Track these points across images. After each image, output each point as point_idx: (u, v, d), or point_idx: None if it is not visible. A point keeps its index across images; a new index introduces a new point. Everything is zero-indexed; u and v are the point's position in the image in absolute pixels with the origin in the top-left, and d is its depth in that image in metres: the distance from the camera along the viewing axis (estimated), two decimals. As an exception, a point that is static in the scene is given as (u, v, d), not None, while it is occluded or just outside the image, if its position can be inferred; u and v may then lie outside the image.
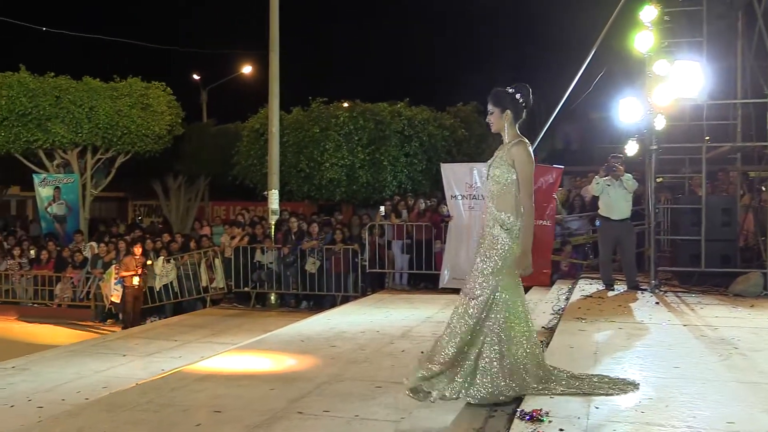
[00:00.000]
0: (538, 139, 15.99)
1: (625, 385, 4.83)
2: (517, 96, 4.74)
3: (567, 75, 14.11)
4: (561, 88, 14.65)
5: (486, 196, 4.90)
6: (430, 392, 4.70)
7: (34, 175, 17.43)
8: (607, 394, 4.64)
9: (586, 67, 12.98)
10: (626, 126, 12.48)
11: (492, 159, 4.89)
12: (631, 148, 12.69)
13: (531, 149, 4.71)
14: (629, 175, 10.28)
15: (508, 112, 4.76)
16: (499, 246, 4.72)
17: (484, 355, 4.68)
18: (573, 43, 15.17)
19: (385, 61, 32.60)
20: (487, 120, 4.94)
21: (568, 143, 26.12)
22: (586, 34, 13.63)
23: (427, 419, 4.84)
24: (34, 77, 16.62)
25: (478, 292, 4.76)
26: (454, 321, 4.87)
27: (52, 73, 16.83)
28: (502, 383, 4.63)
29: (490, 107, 4.84)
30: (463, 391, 4.65)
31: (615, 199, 10.19)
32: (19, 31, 18.80)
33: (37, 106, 16.21)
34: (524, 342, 4.75)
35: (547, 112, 15.36)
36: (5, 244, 16.73)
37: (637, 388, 4.80)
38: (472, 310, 4.77)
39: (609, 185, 10.20)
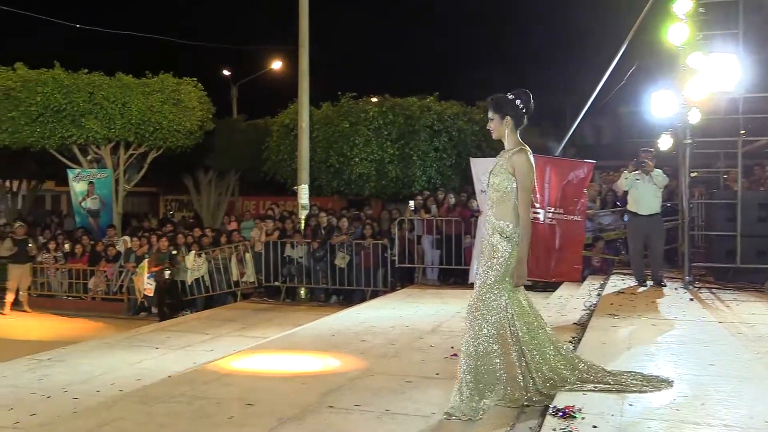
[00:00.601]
0: (568, 134, 15.90)
1: (659, 383, 4.78)
2: (518, 102, 4.67)
3: (598, 69, 13.98)
4: (592, 82, 14.52)
5: (486, 204, 4.82)
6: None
7: (68, 171, 17.67)
8: (640, 391, 4.60)
9: (618, 60, 12.83)
10: (659, 120, 12.32)
11: (493, 166, 4.82)
12: (665, 143, 12.53)
13: (532, 157, 4.64)
14: (659, 170, 10.15)
15: (509, 118, 4.69)
16: (499, 254, 4.69)
17: (515, 365, 4.63)
18: (605, 36, 15.00)
19: (414, 56, 32.55)
20: (487, 127, 4.88)
21: (600, 138, 25.88)
22: (618, 27, 13.47)
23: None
24: (69, 74, 16.82)
25: (490, 305, 4.73)
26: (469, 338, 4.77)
27: (86, 70, 17.03)
28: (533, 386, 4.62)
29: (490, 114, 4.79)
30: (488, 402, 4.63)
31: (644, 194, 10.06)
32: (54, 28, 19.05)
33: (71, 102, 16.41)
34: (548, 344, 4.74)
35: (578, 107, 15.24)
36: (41, 238, 17.00)
37: (671, 386, 4.74)
38: (485, 326, 4.71)
39: (638, 180, 10.07)
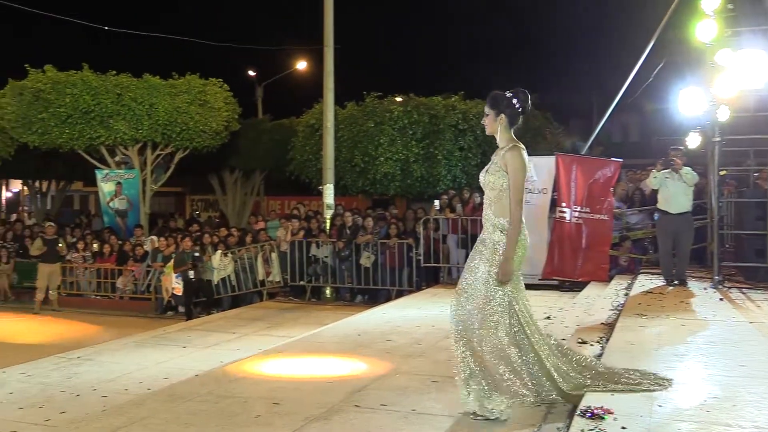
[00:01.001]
0: (595, 132, 15.76)
1: (658, 380, 4.74)
2: (514, 101, 4.63)
3: (626, 66, 13.84)
4: (619, 80, 14.38)
5: (485, 202, 4.78)
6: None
7: (96, 171, 17.87)
8: (648, 390, 4.55)
9: (646, 57, 12.69)
10: (687, 118, 12.17)
11: (488, 165, 4.78)
12: (693, 141, 12.38)
13: (526, 154, 4.56)
14: (688, 168, 10.02)
15: (503, 115, 4.66)
16: (501, 251, 4.60)
17: (514, 363, 4.53)
18: (632, 32, 14.84)
19: (439, 55, 32.49)
20: (482, 122, 4.83)
21: (627, 136, 25.65)
22: (645, 23, 13.33)
23: (485, 414, 4.79)
24: (97, 76, 17.00)
25: (497, 302, 4.61)
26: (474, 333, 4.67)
27: (114, 72, 17.21)
28: (536, 386, 4.53)
29: (486, 109, 4.76)
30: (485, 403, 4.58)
31: (674, 193, 9.94)
32: (83, 30, 19.28)
33: (99, 103, 16.59)
34: (543, 344, 4.65)
35: (605, 105, 15.10)
36: (70, 237, 17.22)
37: (671, 384, 4.68)
38: (489, 319, 4.61)
39: (668, 178, 9.96)
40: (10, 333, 12.39)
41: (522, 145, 4.60)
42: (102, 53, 22.03)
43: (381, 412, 5.31)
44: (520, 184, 4.52)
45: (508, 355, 4.48)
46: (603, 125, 14.46)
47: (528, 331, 4.60)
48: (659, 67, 13.43)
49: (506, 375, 4.43)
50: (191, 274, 13.64)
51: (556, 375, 4.58)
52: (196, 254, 14.06)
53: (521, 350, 4.55)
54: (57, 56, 17.84)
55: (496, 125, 4.67)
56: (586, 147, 16.19)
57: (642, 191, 13.66)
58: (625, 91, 14.03)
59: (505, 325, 4.54)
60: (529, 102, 4.68)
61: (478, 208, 13.95)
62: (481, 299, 4.62)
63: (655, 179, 10.13)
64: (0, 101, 17.90)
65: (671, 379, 4.80)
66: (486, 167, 4.77)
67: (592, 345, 6.43)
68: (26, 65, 17.12)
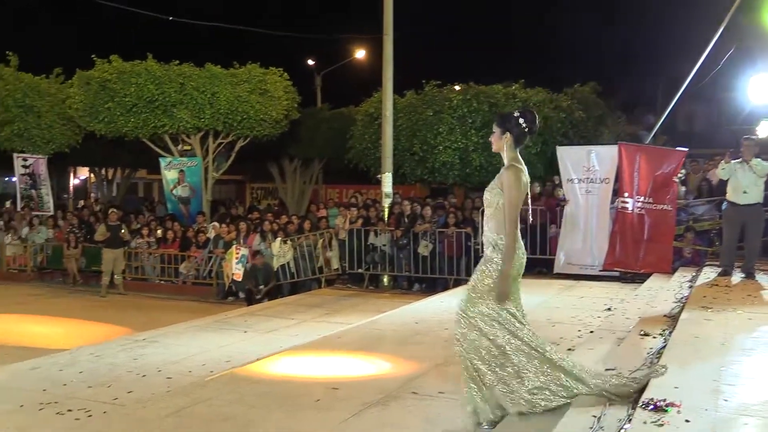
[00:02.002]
0: (660, 121, 15.41)
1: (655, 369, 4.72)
2: (521, 120, 4.59)
3: (693, 52, 13.48)
4: (685, 66, 14.03)
5: (484, 219, 4.79)
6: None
7: (160, 159, 18.25)
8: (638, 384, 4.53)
9: (716, 43, 12.33)
10: (758, 105, 11.80)
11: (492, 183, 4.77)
12: (764, 129, 12.00)
13: (524, 175, 4.55)
14: (758, 158, 9.71)
15: (508, 134, 4.62)
16: (493, 267, 4.62)
17: (497, 373, 4.58)
18: (701, 17, 14.43)
19: (500, 43, 32.14)
20: (489, 139, 4.81)
21: (692, 125, 24.98)
22: (716, 7, 12.94)
23: (545, 404, 4.76)
24: (161, 65, 17.30)
25: (485, 314, 4.66)
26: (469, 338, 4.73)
27: (177, 61, 17.49)
28: (519, 397, 4.52)
29: (494, 127, 4.74)
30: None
31: (744, 183, 9.64)
32: (147, 20, 19.65)
33: (163, 93, 16.90)
34: (535, 354, 4.62)
35: (670, 92, 14.76)
36: (135, 224, 17.66)
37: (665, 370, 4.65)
38: (481, 326, 4.67)
39: (738, 168, 9.67)
40: (78, 314, 12.80)
41: (522, 166, 4.59)
42: (166, 43, 22.47)
43: (438, 400, 5.34)
44: (515, 202, 4.52)
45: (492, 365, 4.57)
46: (668, 114, 14.11)
47: (526, 338, 4.63)
48: (730, 53, 13.02)
49: (496, 384, 4.52)
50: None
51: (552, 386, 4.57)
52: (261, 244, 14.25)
53: (509, 361, 4.57)
54: (122, 46, 18.27)
55: (501, 143, 4.65)
56: (651, 136, 15.87)
57: (709, 181, 13.31)
58: (692, 79, 13.69)
59: (491, 335, 4.60)
60: (537, 123, 4.67)
61: (538, 198, 13.82)
62: (476, 312, 4.69)
63: (723, 170, 9.85)
64: (68, 91, 18.44)
65: (665, 366, 4.74)
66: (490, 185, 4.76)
67: (654, 338, 6.31)
68: (93, 56, 17.56)
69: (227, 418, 4.93)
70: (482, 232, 4.89)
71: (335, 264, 14.68)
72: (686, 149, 12.41)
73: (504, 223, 4.57)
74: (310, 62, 28.98)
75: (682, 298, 8.50)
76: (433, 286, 13.75)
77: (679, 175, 12.23)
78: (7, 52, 19.33)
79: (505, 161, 4.68)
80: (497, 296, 4.60)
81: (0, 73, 19.01)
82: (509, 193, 4.54)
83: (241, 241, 14.76)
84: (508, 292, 4.58)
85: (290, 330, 9.71)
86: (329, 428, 4.73)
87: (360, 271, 14.42)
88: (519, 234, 4.64)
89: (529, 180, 4.66)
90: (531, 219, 11.99)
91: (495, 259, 4.63)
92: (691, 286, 9.33)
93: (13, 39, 23.70)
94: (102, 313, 13.04)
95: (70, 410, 5.81)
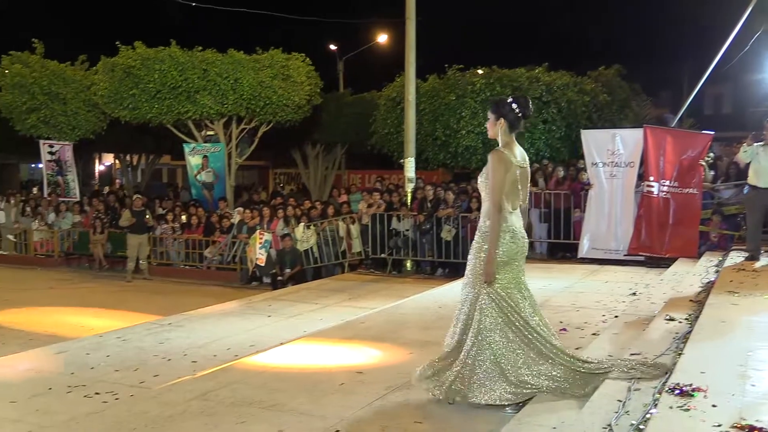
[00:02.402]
0: (686, 104, 15.22)
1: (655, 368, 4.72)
2: (514, 106, 4.72)
3: (720, 33, 13.27)
4: (712, 49, 13.83)
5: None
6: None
7: (184, 145, 18.34)
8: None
9: (743, 24, 12.12)
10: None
11: None
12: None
13: (508, 156, 4.64)
14: None
15: (503, 120, 4.74)
16: (482, 251, 4.75)
17: (479, 358, 4.67)
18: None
19: (521, 26, 31.84)
20: (486, 125, 4.95)
21: (719, 107, 24.64)
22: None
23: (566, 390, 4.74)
24: (184, 51, 17.31)
25: (466, 291, 4.84)
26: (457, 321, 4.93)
27: (200, 48, 17.51)
28: (499, 387, 4.62)
29: (488, 114, 4.87)
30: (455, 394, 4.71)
31: (765, 167, 9.48)
32: (170, 6, 19.72)
33: (186, 79, 16.94)
34: (522, 343, 4.71)
35: (697, 75, 14.56)
36: (159, 209, 17.80)
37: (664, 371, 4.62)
38: (464, 309, 4.82)
39: (760, 152, 9.51)
40: (104, 299, 12.96)
41: (512, 150, 4.70)
42: (189, 29, 22.56)
43: (463, 384, 5.32)
44: (497, 185, 4.60)
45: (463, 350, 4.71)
46: (694, 96, 13.92)
47: (523, 321, 4.74)
48: (757, 35, 12.80)
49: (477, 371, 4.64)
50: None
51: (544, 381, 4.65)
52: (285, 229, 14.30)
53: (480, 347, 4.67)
54: (146, 33, 18.34)
55: (496, 129, 4.77)
56: (676, 119, 15.68)
57: (737, 165, 13.12)
58: (718, 61, 13.48)
59: (491, 316, 4.71)
60: (530, 108, 4.78)
61: (562, 182, 13.73)
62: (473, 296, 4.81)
63: (745, 153, 9.69)
64: (93, 78, 18.57)
65: (665, 366, 4.72)
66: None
67: (680, 322, 6.26)
68: (117, 42, 17.67)
69: (252, 402, 4.97)
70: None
71: (357, 248, 14.71)
72: (713, 132, 12.24)
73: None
74: (333, 47, 28.93)
75: (708, 282, 8.42)
76: (456, 271, 13.71)
77: (707, 158, 12.07)
78: (32, 40, 19.50)
79: (499, 146, 4.78)
80: (484, 278, 4.69)
81: (26, 61, 19.19)
82: (492, 175, 4.66)
83: (265, 226, 14.83)
84: (493, 274, 4.66)
85: (314, 314, 9.75)
86: (353, 412, 4.76)
87: (383, 256, 14.43)
88: (510, 218, 4.71)
89: (522, 163, 4.73)
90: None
91: (480, 244, 4.74)
92: (717, 271, 9.23)
93: (38, 26, 23.93)
94: (127, 298, 13.20)
95: (97, 393, 5.89)
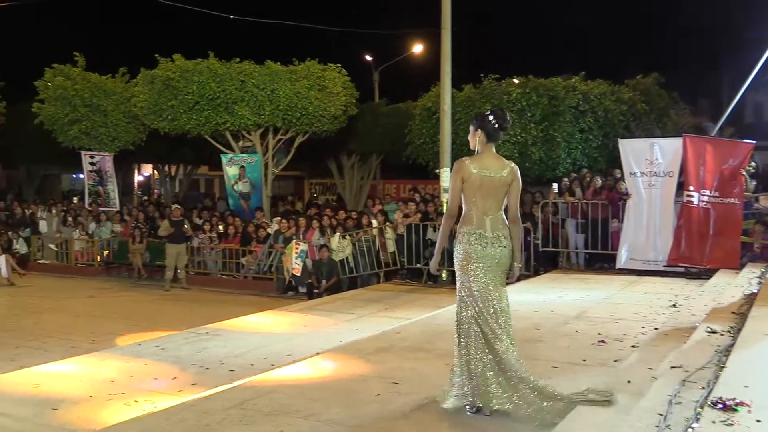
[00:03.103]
0: (726, 112, 14.99)
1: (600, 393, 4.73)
2: (491, 118, 4.96)
3: (760, 40, 13.05)
4: (753, 56, 13.61)
5: None
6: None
7: (222, 156, 18.54)
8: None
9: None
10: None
11: None
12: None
13: (467, 166, 4.90)
14: None
15: (480, 131, 5.00)
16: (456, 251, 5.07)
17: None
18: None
19: (559, 35, 31.66)
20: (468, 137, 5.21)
21: (761, 115, 24.20)
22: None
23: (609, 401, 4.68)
24: (222, 63, 17.54)
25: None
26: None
27: (238, 59, 17.73)
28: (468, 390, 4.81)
29: (471, 127, 5.12)
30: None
31: None
32: (209, 19, 19.98)
33: (224, 90, 17.13)
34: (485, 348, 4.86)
35: (737, 82, 14.34)
36: (197, 219, 18.00)
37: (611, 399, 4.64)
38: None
39: None
40: (143, 308, 13.13)
41: (467, 160, 4.96)
42: (227, 41, 22.83)
43: (500, 396, 5.28)
44: (452, 192, 5.00)
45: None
46: (735, 104, 13.71)
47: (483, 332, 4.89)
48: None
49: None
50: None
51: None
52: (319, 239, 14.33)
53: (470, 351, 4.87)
54: (185, 45, 18.61)
55: (475, 140, 5.05)
56: (717, 128, 15.44)
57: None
58: (759, 69, 13.26)
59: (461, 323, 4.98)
60: (507, 120, 5.03)
61: (599, 192, 13.59)
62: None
63: None
64: (133, 90, 18.89)
65: (612, 393, 4.73)
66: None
67: (722, 335, 6.13)
68: (156, 55, 17.96)
69: (289, 411, 4.99)
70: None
71: (391, 247, 14.65)
72: (754, 141, 12.03)
73: (467, 213, 4.97)
74: (368, 58, 29.04)
75: (750, 294, 8.25)
76: (491, 282, 13.63)
77: (748, 167, 11.86)
78: (74, 53, 19.92)
79: None
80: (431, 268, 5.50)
81: (68, 74, 19.59)
82: (450, 185, 5.07)
83: (301, 236, 14.91)
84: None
85: (349, 324, 9.77)
86: (390, 422, 4.75)
87: (418, 266, 14.40)
88: (478, 221, 4.91)
89: (488, 173, 4.90)
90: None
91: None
92: (760, 282, 9.04)
93: (80, 40, 24.43)
94: (165, 307, 13.37)
95: (136, 401, 5.98)
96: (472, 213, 4.92)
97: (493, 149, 5.03)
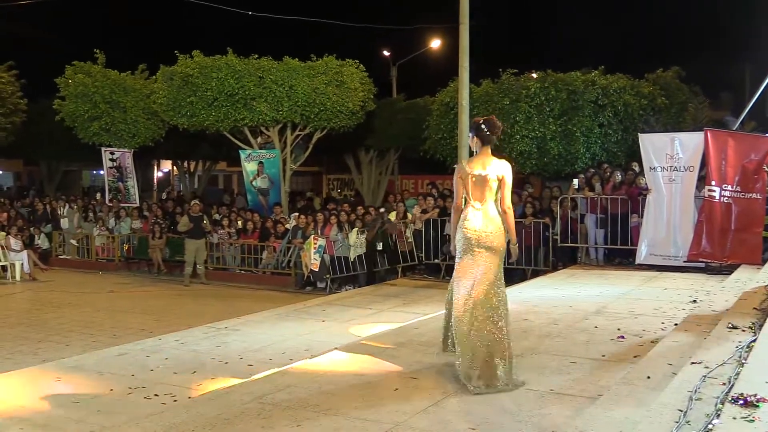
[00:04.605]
0: (749, 106, 14.81)
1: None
2: (483, 127, 5.73)
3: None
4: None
5: None
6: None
7: (240, 151, 18.61)
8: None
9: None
10: None
11: None
12: None
13: (463, 167, 5.79)
14: None
15: (476, 137, 5.78)
16: None
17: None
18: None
19: (578, 29, 31.43)
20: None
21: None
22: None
23: (628, 396, 4.67)
24: (240, 59, 17.59)
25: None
26: None
27: (256, 55, 17.76)
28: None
29: (469, 133, 5.99)
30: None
31: None
32: (227, 16, 20.00)
33: (243, 86, 17.19)
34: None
35: (760, 75, 14.18)
36: (216, 215, 18.08)
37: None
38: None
39: None
40: (163, 303, 13.22)
41: (464, 163, 5.88)
42: (245, 37, 22.89)
43: (518, 391, 5.28)
44: (455, 189, 5.94)
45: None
46: (758, 98, 13.55)
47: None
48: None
49: None
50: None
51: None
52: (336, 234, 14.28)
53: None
54: (204, 42, 18.69)
55: (472, 144, 5.85)
56: (738, 122, 15.27)
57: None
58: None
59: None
60: (497, 127, 5.78)
61: (619, 187, 13.50)
62: None
63: None
64: (152, 87, 19.01)
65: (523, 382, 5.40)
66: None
67: (743, 331, 6.07)
68: (175, 51, 18.04)
69: (307, 405, 5.01)
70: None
71: (409, 237, 14.65)
72: (776, 135, 11.89)
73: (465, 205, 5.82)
74: (386, 53, 29.01)
75: (773, 290, 8.15)
76: (510, 277, 13.45)
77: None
78: (95, 50, 20.06)
79: None
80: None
81: (89, 71, 19.74)
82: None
83: (318, 231, 14.94)
84: (453, 250, 5.92)
85: (367, 319, 9.79)
86: (408, 417, 4.75)
87: (436, 261, 14.39)
88: (470, 213, 5.70)
89: (479, 172, 5.66)
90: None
91: None
92: (782, 278, 8.94)
93: (100, 37, 24.62)
94: (185, 302, 13.45)
95: (156, 395, 6.03)
96: (469, 206, 5.74)
97: (488, 151, 5.79)
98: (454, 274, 5.76)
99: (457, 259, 5.76)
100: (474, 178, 5.69)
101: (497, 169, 5.71)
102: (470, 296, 5.53)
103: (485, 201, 5.70)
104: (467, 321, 5.46)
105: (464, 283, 5.60)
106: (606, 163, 15.20)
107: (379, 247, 14.12)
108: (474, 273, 5.59)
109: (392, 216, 15.04)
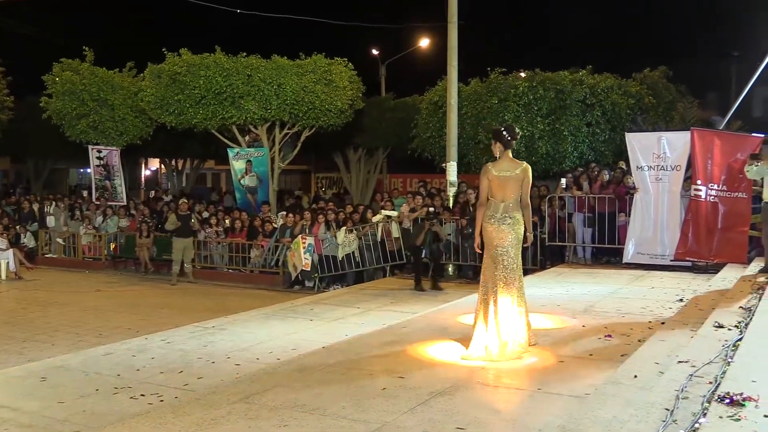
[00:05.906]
0: (735, 105, 14.90)
1: None
2: (504, 133, 6.48)
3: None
4: (761, 49, 13.53)
5: None
6: None
7: (228, 150, 18.56)
8: None
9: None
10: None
11: None
12: None
13: (489, 169, 6.49)
14: None
15: (498, 143, 6.53)
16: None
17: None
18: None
19: (566, 28, 31.52)
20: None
21: (770, 109, 24.04)
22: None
23: (616, 395, 4.68)
24: (229, 58, 17.54)
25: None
26: None
27: (244, 53, 17.71)
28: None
29: (492, 140, 6.63)
30: None
31: None
32: (215, 14, 19.96)
33: (231, 84, 17.13)
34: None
35: (746, 75, 14.26)
36: (205, 213, 18.02)
37: None
38: None
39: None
40: (150, 302, 13.15)
41: (490, 165, 6.56)
42: (233, 35, 22.81)
43: (505, 390, 5.29)
44: (480, 190, 6.66)
45: None
46: (743, 97, 13.62)
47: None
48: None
49: None
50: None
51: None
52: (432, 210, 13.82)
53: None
54: (192, 40, 18.60)
55: (495, 148, 6.57)
56: (725, 122, 15.35)
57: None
58: (768, 61, 13.18)
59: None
60: (516, 133, 6.60)
61: (606, 186, 13.55)
62: None
63: (749, 172, 9.69)
64: (140, 84, 18.91)
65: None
66: None
67: (729, 329, 6.10)
68: (163, 49, 17.95)
69: (294, 405, 4.99)
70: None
71: (396, 233, 14.51)
72: (762, 135, 11.95)
73: (490, 202, 6.52)
74: (375, 52, 28.99)
75: (758, 289, 8.21)
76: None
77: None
78: (84, 48, 19.92)
79: None
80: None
81: (76, 68, 19.61)
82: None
83: (306, 230, 14.91)
84: (479, 244, 6.63)
85: (355, 318, 9.76)
86: (395, 416, 4.74)
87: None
88: (489, 209, 6.49)
89: (503, 173, 6.42)
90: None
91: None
92: (768, 277, 8.99)
93: (87, 34, 24.47)
94: (172, 301, 13.38)
95: (142, 395, 5.99)
96: (492, 201, 6.48)
97: (510, 154, 6.52)
98: (485, 261, 6.50)
99: (485, 251, 6.49)
100: (498, 179, 6.43)
101: (519, 170, 6.44)
102: (497, 281, 6.35)
103: (507, 199, 6.41)
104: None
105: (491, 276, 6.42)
106: (594, 162, 15.26)
107: (425, 255, 13.62)
108: (499, 259, 6.37)
109: (381, 215, 14.95)
